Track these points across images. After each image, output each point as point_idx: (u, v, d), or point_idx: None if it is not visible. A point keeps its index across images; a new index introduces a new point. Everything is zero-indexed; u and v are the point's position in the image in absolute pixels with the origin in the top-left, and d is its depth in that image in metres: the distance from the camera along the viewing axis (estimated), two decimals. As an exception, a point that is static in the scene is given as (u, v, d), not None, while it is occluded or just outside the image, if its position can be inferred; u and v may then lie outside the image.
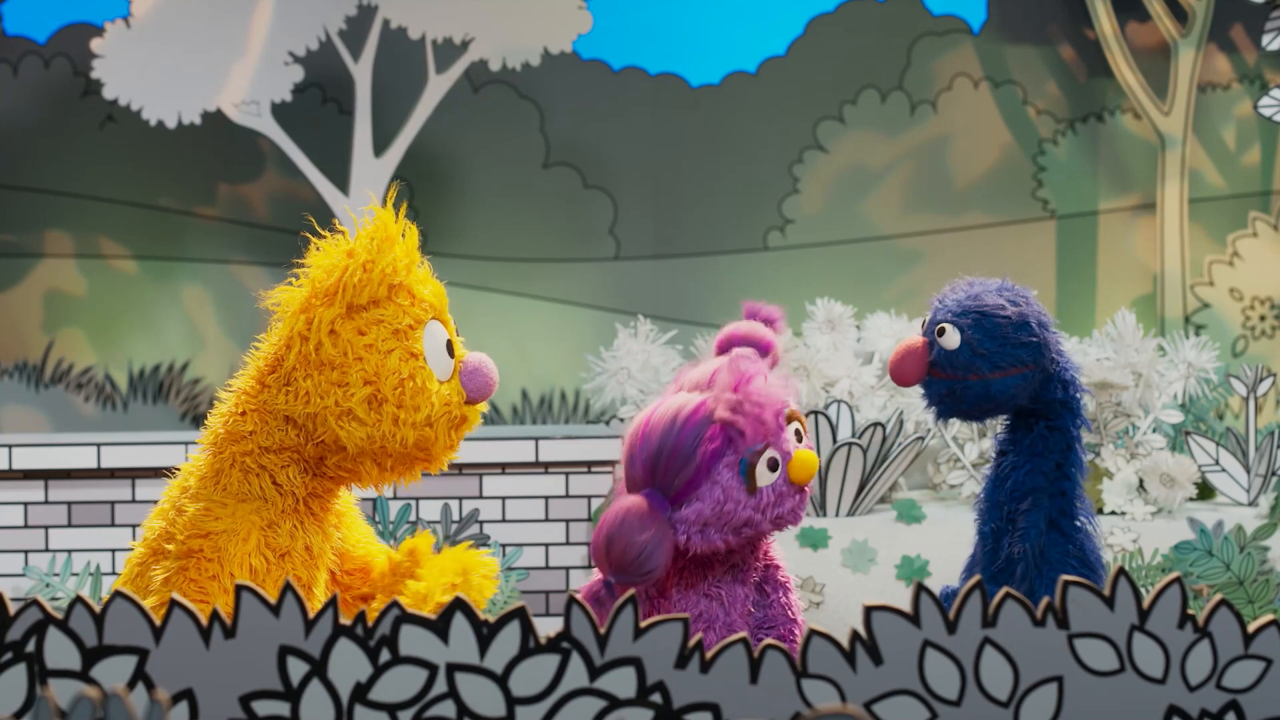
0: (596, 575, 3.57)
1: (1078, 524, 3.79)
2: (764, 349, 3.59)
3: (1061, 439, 3.78)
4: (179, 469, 3.53)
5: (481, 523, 5.04)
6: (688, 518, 3.35)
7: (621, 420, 5.49)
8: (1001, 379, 3.70)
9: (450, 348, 3.40)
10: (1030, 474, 3.76)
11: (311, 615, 2.71)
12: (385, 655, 2.70)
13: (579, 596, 2.79)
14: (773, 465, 3.39)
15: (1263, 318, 6.52)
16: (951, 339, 3.70)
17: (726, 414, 3.35)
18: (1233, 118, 6.54)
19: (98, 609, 2.72)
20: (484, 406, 3.50)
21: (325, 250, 3.35)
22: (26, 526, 5.09)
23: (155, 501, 4.71)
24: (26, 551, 5.08)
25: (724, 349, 3.61)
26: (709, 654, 2.70)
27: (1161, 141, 6.38)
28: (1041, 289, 6.23)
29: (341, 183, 6.13)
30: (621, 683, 2.70)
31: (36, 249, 6.49)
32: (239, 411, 3.42)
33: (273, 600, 2.71)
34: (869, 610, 2.74)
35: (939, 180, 6.57)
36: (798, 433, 3.47)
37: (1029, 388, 3.72)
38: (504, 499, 5.18)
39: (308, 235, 3.42)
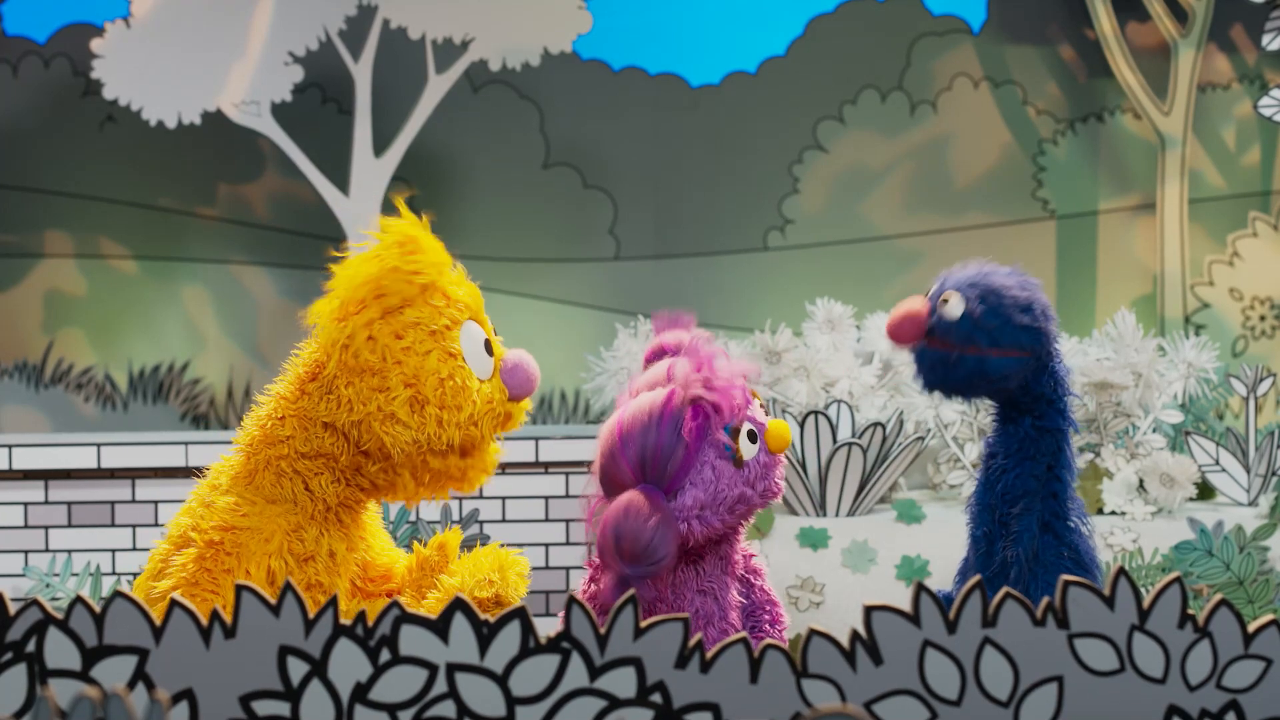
0: (586, 581, 3.59)
1: (1070, 525, 3.79)
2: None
3: (1051, 440, 3.77)
4: (206, 469, 3.56)
5: (481, 523, 5.04)
6: (685, 505, 3.37)
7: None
8: (999, 359, 3.68)
9: (489, 346, 3.41)
10: (1021, 477, 3.76)
11: (312, 615, 2.71)
12: (385, 655, 2.71)
13: (580, 597, 2.79)
14: (752, 437, 3.44)
15: (1263, 318, 6.52)
16: (955, 308, 3.68)
17: (701, 391, 3.38)
18: (1233, 118, 6.54)
19: (98, 609, 2.72)
20: (528, 404, 3.52)
21: (352, 259, 3.37)
22: (26, 526, 5.09)
23: (155, 501, 4.70)
24: (26, 551, 5.08)
25: (658, 359, 3.65)
26: (709, 654, 2.71)
27: (1161, 141, 6.38)
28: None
29: (341, 183, 6.13)
30: (621, 683, 2.70)
31: (36, 249, 6.49)
32: (278, 416, 3.45)
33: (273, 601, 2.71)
34: (869, 610, 2.74)
35: (939, 180, 6.57)
36: (761, 407, 3.52)
37: (1022, 374, 3.71)
38: (504, 499, 5.17)
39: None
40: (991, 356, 3.68)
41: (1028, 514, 3.74)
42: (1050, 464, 3.77)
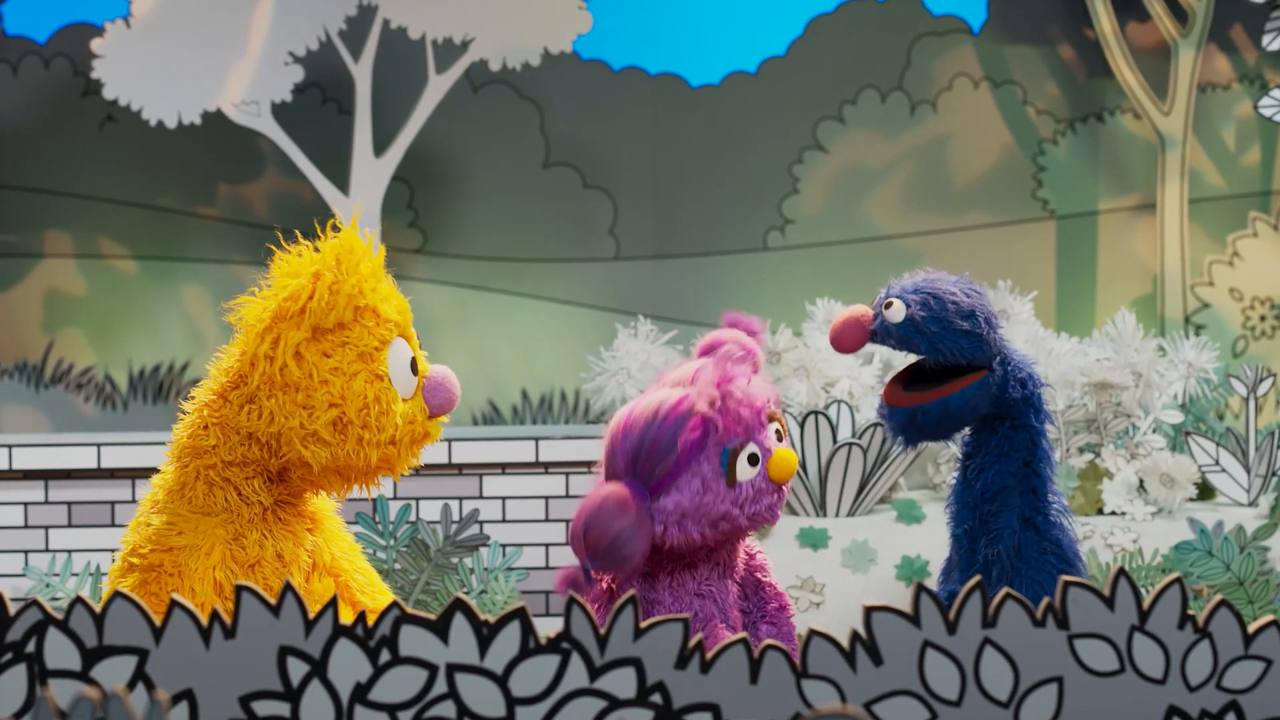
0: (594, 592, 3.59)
1: (1052, 520, 3.80)
2: (749, 355, 3.62)
3: (1026, 436, 3.78)
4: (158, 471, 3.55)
5: (481, 523, 5.04)
6: (666, 508, 3.37)
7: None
8: (958, 395, 3.71)
9: (414, 365, 3.40)
10: (999, 474, 3.77)
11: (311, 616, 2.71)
12: (385, 656, 2.70)
13: (572, 592, 2.78)
14: (753, 460, 3.42)
15: (1263, 318, 6.52)
16: (897, 312, 3.71)
17: (705, 407, 3.38)
18: (1233, 118, 6.54)
19: (98, 609, 2.72)
20: (445, 419, 3.50)
21: (290, 266, 3.35)
22: (26, 526, 5.09)
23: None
24: (26, 551, 5.08)
25: (708, 354, 3.64)
26: (709, 654, 2.70)
27: (1161, 141, 6.38)
28: (1041, 289, 6.25)
29: (341, 183, 6.13)
30: (621, 683, 2.70)
31: (36, 249, 6.49)
32: (201, 425, 3.42)
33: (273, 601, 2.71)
34: (869, 610, 2.74)
35: (939, 180, 6.57)
36: (778, 433, 3.50)
37: (986, 396, 3.73)
38: (504, 499, 5.17)
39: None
40: (950, 395, 3.71)
41: (1006, 510, 3.75)
42: (1026, 459, 3.78)
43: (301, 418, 3.30)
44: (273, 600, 2.71)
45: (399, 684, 2.71)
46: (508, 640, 2.70)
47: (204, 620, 2.71)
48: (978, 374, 3.71)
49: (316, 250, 3.39)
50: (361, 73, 6.14)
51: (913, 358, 3.80)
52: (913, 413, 3.74)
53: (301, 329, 3.31)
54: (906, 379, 3.80)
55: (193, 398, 3.48)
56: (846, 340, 3.77)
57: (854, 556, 5.10)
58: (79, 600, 2.72)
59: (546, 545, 5.17)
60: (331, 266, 3.32)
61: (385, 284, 3.42)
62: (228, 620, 2.71)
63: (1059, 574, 3.73)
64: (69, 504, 5.09)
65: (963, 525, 3.81)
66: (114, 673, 2.71)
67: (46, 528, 5.09)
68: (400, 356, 3.38)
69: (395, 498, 5.04)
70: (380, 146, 6.16)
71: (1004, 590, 2.76)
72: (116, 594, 2.72)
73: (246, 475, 3.39)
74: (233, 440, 3.38)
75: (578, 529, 3.30)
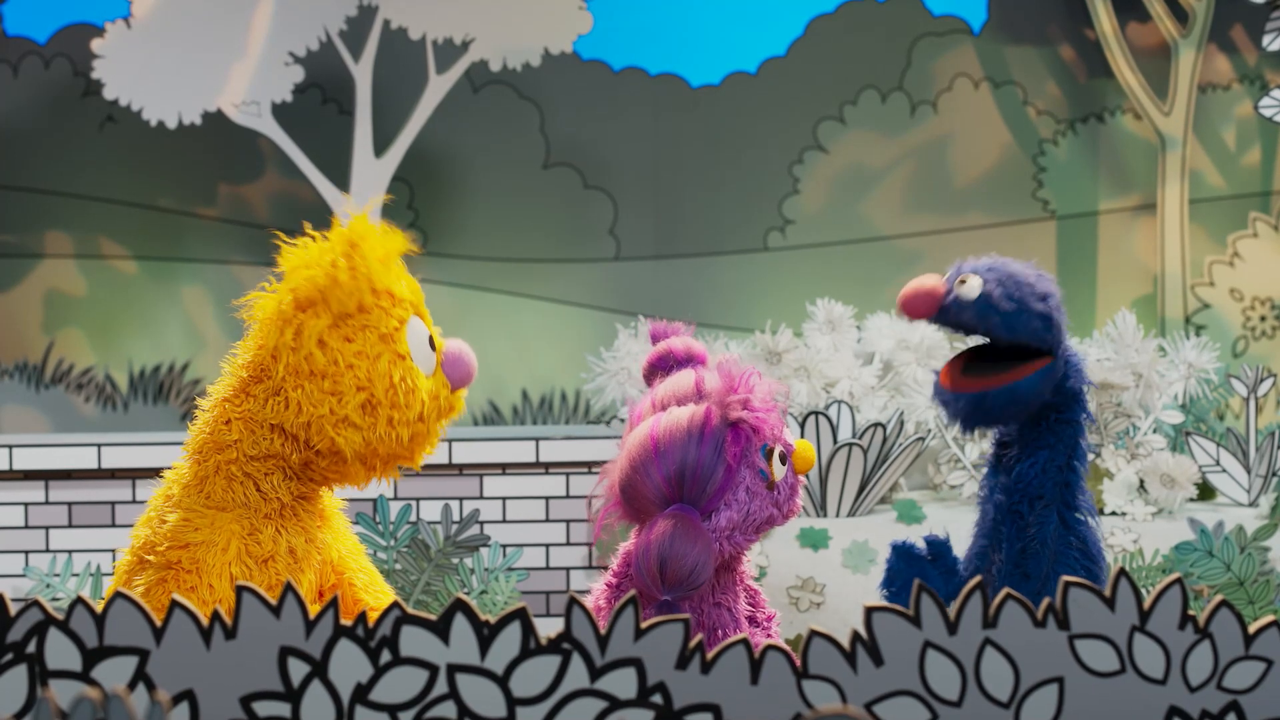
0: (603, 587, 3.58)
1: (1080, 516, 3.78)
2: (702, 360, 3.64)
3: (1071, 432, 3.75)
4: (165, 470, 3.54)
5: (482, 523, 5.04)
6: (719, 525, 3.38)
7: (622, 421, 5.48)
8: (1025, 380, 3.66)
9: (431, 341, 3.43)
10: (1043, 468, 3.74)
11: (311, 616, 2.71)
12: (386, 656, 2.71)
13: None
14: (783, 459, 3.45)
15: (1263, 318, 6.52)
16: (972, 288, 3.66)
17: (743, 414, 3.38)
18: (1233, 118, 6.54)
19: (98, 609, 2.72)
20: (465, 392, 3.54)
21: (301, 257, 3.36)
22: (27, 527, 5.09)
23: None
24: (27, 552, 5.08)
25: (663, 365, 3.64)
26: (710, 655, 2.71)
27: (1162, 142, 6.38)
28: (1042, 289, 6.25)
29: (342, 183, 6.13)
30: (622, 683, 2.70)
31: (36, 249, 6.49)
32: (224, 420, 3.43)
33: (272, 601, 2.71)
34: (870, 611, 2.74)
35: (939, 180, 6.57)
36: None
37: (1051, 383, 3.69)
38: (504, 499, 5.17)
39: (298, 236, 3.42)
40: (1018, 381, 3.66)
41: (1049, 507, 3.74)
42: (1070, 454, 3.76)
43: (330, 404, 3.32)
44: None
45: (400, 684, 2.71)
46: (508, 641, 2.70)
47: (205, 620, 2.71)
48: (1042, 360, 3.67)
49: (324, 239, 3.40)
50: (362, 73, 6.14)
51: (970, 342, 3.76)
52: (980, 398, 3.68)
53: (323, 317, 3.32)
54: (963, 364, 3.76)
55: (209, 396, 3.49)
56: (917, 308, 3.71)
57: (854, 556, 5.10)
58: (80, 600, 2.72)
59: (547, 545, 5.17)
60: (346, 251, 3.34)
61: (397, 265, 3.44)
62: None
63: (1083, 570, 3.72)
64: (69, 504, 5.09)
65: (992, 518, 3.78)
66: (115, 673, 2.71)
67: (47, 528, 5.09)
68: (418, 335, 3.41)
69: (396, 498, 5.04)
70: (380, 146, 6.16)
71: (1004, 590, 2.76)
72: (117, 594, 2.72)
73: (266, 470, 3.40)
74: (257, 434, 3.39)
75: (652, 567, 3.30)
